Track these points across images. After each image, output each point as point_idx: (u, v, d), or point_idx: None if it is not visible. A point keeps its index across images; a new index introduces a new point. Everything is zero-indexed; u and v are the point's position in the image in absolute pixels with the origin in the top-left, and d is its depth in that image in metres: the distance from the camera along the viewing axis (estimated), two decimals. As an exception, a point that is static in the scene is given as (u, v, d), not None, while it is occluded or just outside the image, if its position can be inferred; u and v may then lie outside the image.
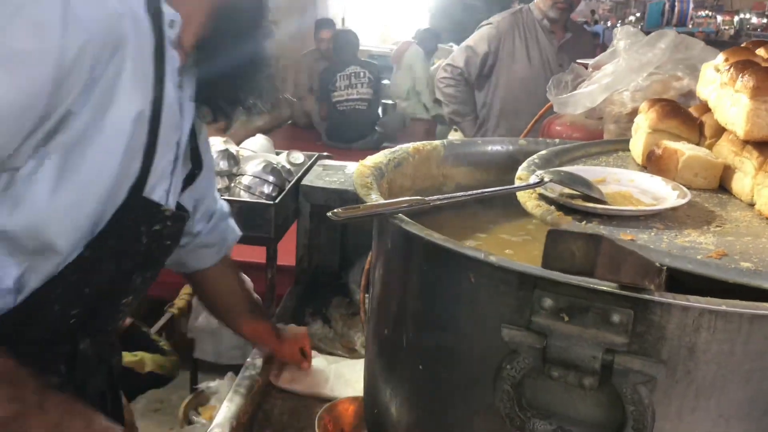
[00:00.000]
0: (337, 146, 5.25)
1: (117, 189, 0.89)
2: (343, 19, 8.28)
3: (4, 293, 0.86)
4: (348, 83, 5.55)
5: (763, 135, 0.98)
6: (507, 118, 2.94)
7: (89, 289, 0.92)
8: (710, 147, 1.14)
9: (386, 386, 0.94)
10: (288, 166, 1.93)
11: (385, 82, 6.62)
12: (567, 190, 1.03)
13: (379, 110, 5.88)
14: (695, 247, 0.81)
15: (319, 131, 5.56)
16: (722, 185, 1.08)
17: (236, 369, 1.98)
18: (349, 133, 5.32)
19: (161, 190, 0.99)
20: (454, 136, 3.67)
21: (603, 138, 1.92)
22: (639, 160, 1.21)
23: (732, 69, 1.05)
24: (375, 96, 5.60)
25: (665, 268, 0.72)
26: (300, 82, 6.18)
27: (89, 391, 1.04)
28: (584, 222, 0.89)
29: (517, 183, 1.06)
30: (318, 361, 1.48)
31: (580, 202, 0.93)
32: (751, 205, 0.99)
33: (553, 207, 0.94)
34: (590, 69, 1.96)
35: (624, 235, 0.85)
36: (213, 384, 1.86)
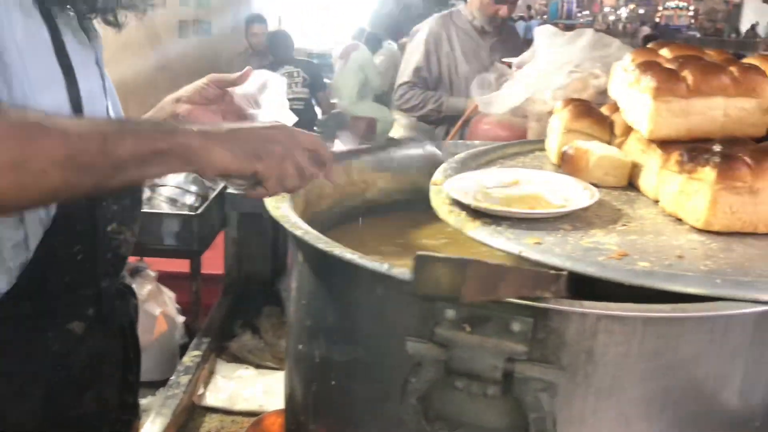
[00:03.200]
0: (276, 148, 5.16)
1: None
2: (279, 18, 8.17)
3: (19, 248, 0.91)
4: (282, 82, 5.46)
5: (665, 134, 1.01)
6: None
7: (79, 225, 0.96)
8: (620, 145, 1.17)
9: (303, 401, 0.92)
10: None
11: (327, 80, 6.59)
12: (483, 192, 1.04)
13: (318, 110, 5.83)
14: (599, 248, 0.82)
15: (256, 133, 5.46)
16: (632, 183, 1.11)
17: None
18: (287, 134, 5.25)
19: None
20: (398, 130, 3.61)
21: (527, 136, 1.96)
22: (554, 159, 1.23)
23: (637, 69, 1.08)
24: (311, 95, 5.56)
25: (564, 273, 0.72)
26: (237, 81, 6.05)
27: (115, 329, 1.14)
28: (493, 226, 0.90)
29: (432, 188, 1.06)
30: (246, 373, 1.45)
31: (491, 206, 0.94)
32: (657, 201, 1.02)
33: (464, 213, 0.94)
34: (514, 68, 1.99)
35: (531, 239, 0.85)
36: (144, 401, 1.80)
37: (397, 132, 3.67)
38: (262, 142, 0.81)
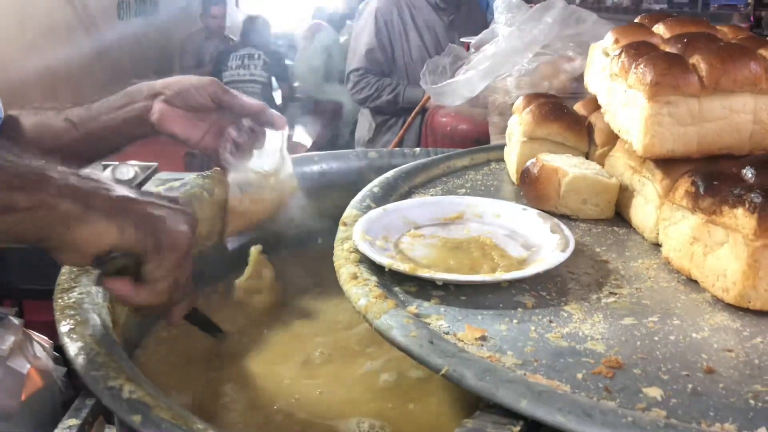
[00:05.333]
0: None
1: None
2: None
3: None
4: (240, 63, 5.16)
5: (668, 149, 0.70)
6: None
7: None
8: (602, 159, 0.86)
9: None
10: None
11: (289, 62, 6.25)
12: (411, 236, 0.73)
13: (277, 95, 5.48)
14: (576, 351, 0.51)
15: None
16: (619, 212, 0.80)
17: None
18: (240, 122, 4.90)
19: None
20: (362, 119, 3.20)
21: (489, 133, 1.65)
22: (514, 177, 0.91)
23: (623, 55, 0.76)
24: (269, 79, 5.22)
25: (518, 428, 0.42)
26: (186, 65, 5.67)
27: None
28: (415, 304, 0.58)
29: (341, 229, 0.74)
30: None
31: (414, 269, 0.62)
32: (656, 244, 0.72)
33: (374, 280, 0.62)
34: (472, 50, 1.67)
35: (470, 329, 0.54)
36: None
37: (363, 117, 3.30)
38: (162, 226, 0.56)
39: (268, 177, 0.89)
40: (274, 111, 0.87)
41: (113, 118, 0.83)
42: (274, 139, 0.89)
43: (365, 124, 2.69)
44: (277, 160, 0.89)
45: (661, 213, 0.69)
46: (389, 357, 0.71)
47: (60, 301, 0.53)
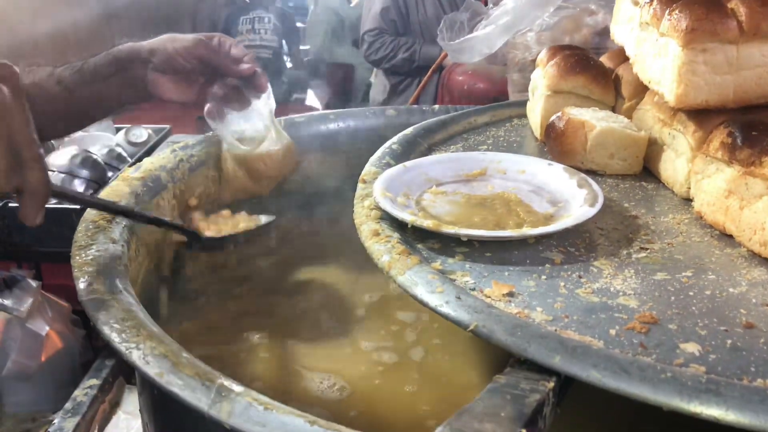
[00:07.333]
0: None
1: None
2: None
3: None
4: (250, 27, 5.06)
5: (703, 100, 0.67)
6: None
7: None
8: (629, 112, 0.83)
9: None
10: (123, 151, 1.53)
11: (300, 25, 6.15)
12: (433, 193, 0.71)
13: (287, 60, 5.41)
14: (608, 306, 0.50)
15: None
16: (647, 166, 0.78)
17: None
18: (252, 87, 4.85)
19: None
20: (376, 80, 3.15)
21: (507, 90, 1.61)
22: (538, 132, 0.89)
23: (655, 1, 0.73)
24: (280, 43, 5.14)
25: (550, 386, 0.40)
26: (202, 30, 5.60)
27: None
28: (439, 260, 0.57)
29: (360, 186, 0.72)
30: None
31: (438, 225, 0.60)
32: (687, 199, 0.69)
33: (396, 237, 0.60)
34: (490, 5, 1.62)
35: (498, 285, 0.53)
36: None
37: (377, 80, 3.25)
38: None
39: (259, 145, 0.87)
40: (261, 74, 0.85)
41: (108, 85, 0.82)
42: (262, 108, 0.88)
43: (380, 85, 2.66)
44: (265, 127, 0.88)
45: (693, 166, 0.67)
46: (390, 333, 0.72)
47: (78, 258, 0.52)
